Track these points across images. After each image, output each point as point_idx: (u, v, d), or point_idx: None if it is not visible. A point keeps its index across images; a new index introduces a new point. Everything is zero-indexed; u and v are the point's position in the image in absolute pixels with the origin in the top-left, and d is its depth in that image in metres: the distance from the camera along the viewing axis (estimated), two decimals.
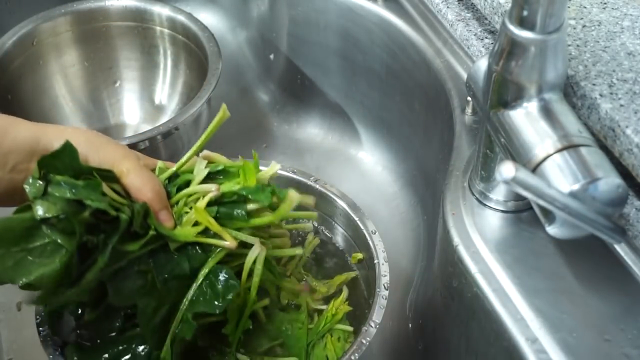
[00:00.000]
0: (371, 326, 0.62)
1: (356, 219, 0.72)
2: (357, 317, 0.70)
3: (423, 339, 0.77)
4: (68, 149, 0.57)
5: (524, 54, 0.52)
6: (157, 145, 0.85)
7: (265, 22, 1.08)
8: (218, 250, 0.62)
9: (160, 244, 0.60)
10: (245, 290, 0.64)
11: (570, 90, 0.59)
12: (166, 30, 1.00)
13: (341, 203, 0.74)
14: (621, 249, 0.57)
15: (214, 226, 0.61)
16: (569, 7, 0.67)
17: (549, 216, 0.51)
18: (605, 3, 0.68)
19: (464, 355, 0.64)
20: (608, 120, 0.56)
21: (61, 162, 0.56)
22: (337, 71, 1.02)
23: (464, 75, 0.78)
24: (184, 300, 0.60)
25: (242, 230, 0.63)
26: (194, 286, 0.60)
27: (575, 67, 0.60)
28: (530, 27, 0.51)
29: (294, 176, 0.76)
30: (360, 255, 0.73)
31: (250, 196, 0.62)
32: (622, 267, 0.57)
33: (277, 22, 1.05)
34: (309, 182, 0.75)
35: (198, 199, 0.62)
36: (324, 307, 0.70)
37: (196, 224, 0.61)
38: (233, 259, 0.64)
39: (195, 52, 0.96)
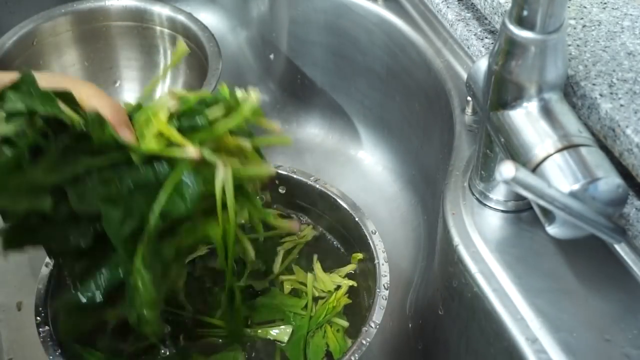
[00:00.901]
0: (371, 326, 0.62)
1: (356, 219, 0.72)
2: (357, 317, 0.70)
3: (423, 339, 0.77)
4: (26, 77, 0.56)
5: (523, 54, 0.52)
6: None
7: (265, 22, 1.08)
8: (183, 161, 0.59)
9: (125, 158, 0.58)
10: (224, 220, 0.61)
11: (570, 90, 0.59)
12: (166, 30, 1.00)
13: (341, 203, 0.74)
14: (621, 249, 0.57)
15: (176, 137, 0.58)
16: (569, 7, 0.67)
17: (549, 216, 0.51)
18: (605, 3, 0.68)
19: (464, 355, 0.64)
20: (608, 120, 0.56)
21: (20, 89, 0.56)
22: (337, 71, 1.02)
23: (464, 75, 0.78)
24: (153, 209, 0.58)
25: (207, 143, 0.60)
26: (163, 195, 0.58)
27: (575, 67, 0.60)
28: (530, 27, 0.51)
29: (294, 176, 0.76)
30: (360, 256, 0.73)
31: (207, 100, 0.60)
32: (622, 267, 0.57)
33: (277, 22, 1.05)
34: (309, 182, 0.75)
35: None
36: (325, 294, 0.71)
37: (159, 139, 0.59)
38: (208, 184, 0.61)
39: (195, 52, 0.96)
